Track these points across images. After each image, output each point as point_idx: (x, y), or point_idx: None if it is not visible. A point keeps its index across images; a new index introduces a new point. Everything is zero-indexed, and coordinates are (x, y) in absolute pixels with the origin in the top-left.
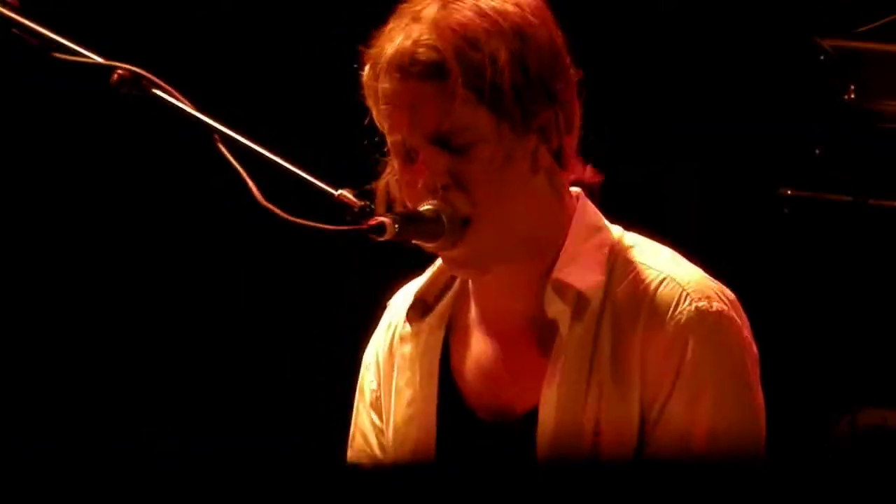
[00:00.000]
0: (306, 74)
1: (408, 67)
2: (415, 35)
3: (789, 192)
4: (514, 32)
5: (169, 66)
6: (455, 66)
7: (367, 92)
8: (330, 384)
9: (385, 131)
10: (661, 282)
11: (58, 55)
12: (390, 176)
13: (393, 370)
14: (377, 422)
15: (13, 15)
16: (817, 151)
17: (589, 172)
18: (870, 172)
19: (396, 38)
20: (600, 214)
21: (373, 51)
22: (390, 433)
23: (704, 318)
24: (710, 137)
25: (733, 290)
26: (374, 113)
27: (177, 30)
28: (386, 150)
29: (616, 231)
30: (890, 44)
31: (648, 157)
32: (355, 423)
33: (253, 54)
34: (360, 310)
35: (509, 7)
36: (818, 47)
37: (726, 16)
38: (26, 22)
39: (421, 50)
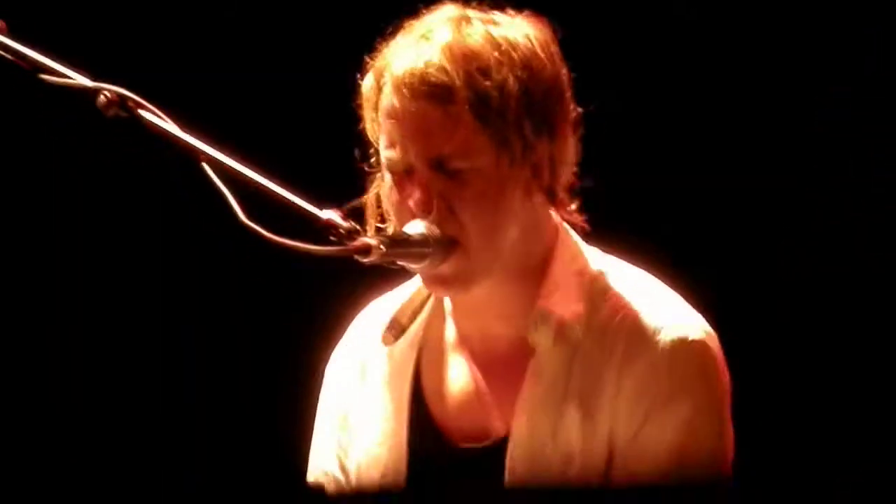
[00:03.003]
0: (292, 91)
1: (417, 87)
2: (426, 55)
3: None
4: (523, 64)
5: (154, 85)
6: (464, 91)
7: (367, 103)
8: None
9: (380, 145)
10: (639, 311)
11: (45, 77)
12: (376, 191)
13: (363, 389)
14: (342, 441)
15: (1, 38)
16: None
17: (575, 213)
18: None
19: (406, 55)
20: (580, 240)
21: (379, 63)
22: (360, 454)
23: (682, 348)
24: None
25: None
26: (369, 125)
27: (163, 49)
28: (373, 161)
29: (595, 257)
30: None
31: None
32: (318, 440)
33: (237, 70)
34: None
35: (520, 39)
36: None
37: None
38: (13, 44)
39: (431, 71)
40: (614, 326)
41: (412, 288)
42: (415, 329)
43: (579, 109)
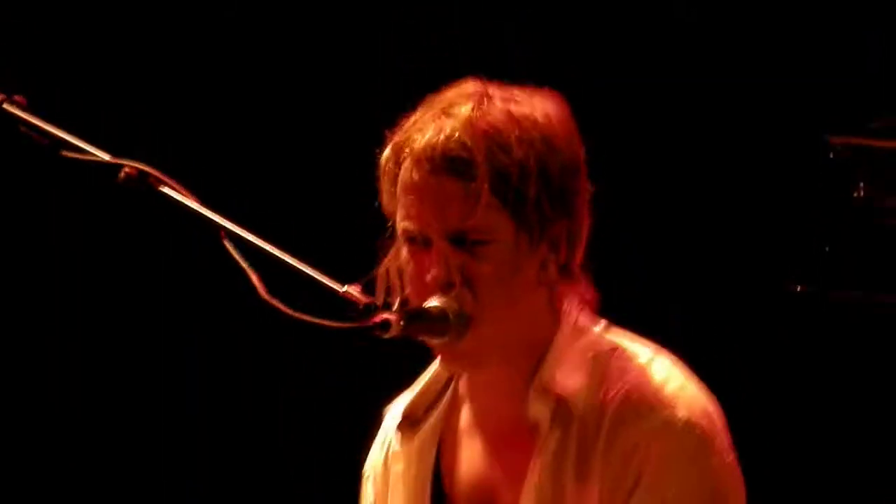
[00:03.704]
0: (311, 167)
1: (437, 161)
2: (447, 130)
3: (798, 287)
4: (543, 142)
5: (175, 158)
6: (484, 167)
7: (385, 176)
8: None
9: (398, 218)
10: (631, 390)
11: (66, 153)
12: (392, 262)
13: (388, 486)
14: None
15: (21, 113)
16: (826, 249)
17: (587, 289)
18: (877, 270)
19: (427, 129)
20: (586, 314)
21: (399, 138)
22: None
23: (669, 429)
24: (718, 232)
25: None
26: (387, 198)
27: (182, 120)
28: (389, 234)
29: (600, 331)
30: None
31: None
32: None
33: (258, 144)
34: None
35: (539, 116)
36: (828, 145)
37: (737, 113)
38: (34, 120)
39: (452, 146)
40: (607, 403)
41: (425, 380)
42: (434, 421)
43: (592, 187)
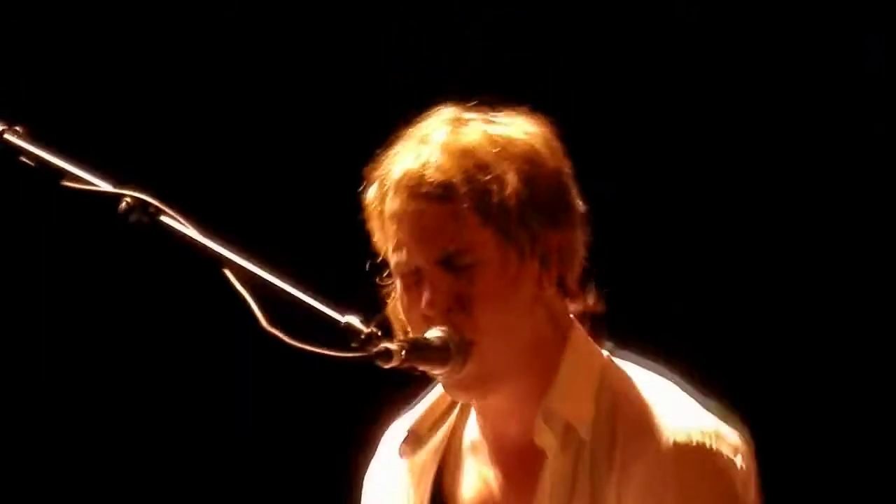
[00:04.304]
0: (314, 198)
1: (416, 188)
2: (423, 157)
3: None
4: (522, 158)
5: (173, 191)
6: (463, 187)
7: (372, 213)
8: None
9: (388, 251)
10: (642, 417)
11: (66, 183)
12: (395, 300)
13: (391, 500)
14: None
15: (21, 143)
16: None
17: (591, 301)
18: None
19: (404, 159)
20: (591, 340)
21: (378, 172)
22: None
23: (684, 457)
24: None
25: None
26: (377, 235)
27: (182, 122)
28: (388, 273)
29: (606, 356)
30: None
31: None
32: None
33: (260, 176)
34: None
35: (516, 134)
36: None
37: (737, 114)
38: (34, 150)
39: (429, 171)
40: (618, 431)
41: (431, 399)
42: (437, 439)
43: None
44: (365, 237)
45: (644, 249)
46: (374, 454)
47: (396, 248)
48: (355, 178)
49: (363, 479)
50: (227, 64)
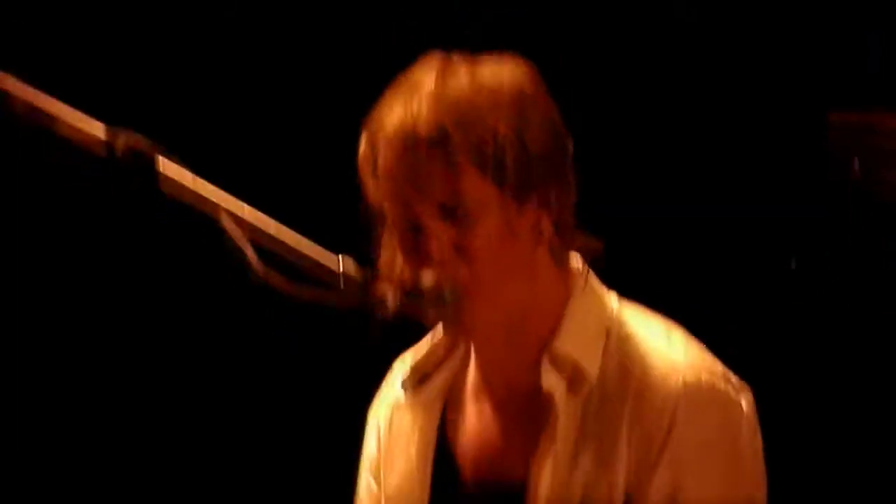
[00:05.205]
0: (314, 197)
1: (409, 142)
2: (414, 109)
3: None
4: (513, 104)
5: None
6: (455, 138)
7: (365, 166)
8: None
9: (384, 204)
10: (652, 357)
11: (56, 126)
12: (390, 250)
13: (395, 433)
14: (373, 487)
15: (11, 88)
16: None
17: (588, 240)
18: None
19: (395, 111)
20: (601, 286)
21: (371, 125)
22: (390, 492)
23: (692, 392)
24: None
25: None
26: (371, 187)
27: (180, 122)
28: (383, 227)
29: (613, 302)
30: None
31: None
32: (357, 487)
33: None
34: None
35: (506, 80)
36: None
37: (737, 114)
38: (20, 93)
39: (423, 124)
40: (627, 372)
41: (437, 336)
42: (442, 378)
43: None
44: (349, 195)
45: (644, 249)
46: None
47: (392, 202)
48: (355, 179)
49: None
50: (227, 62)
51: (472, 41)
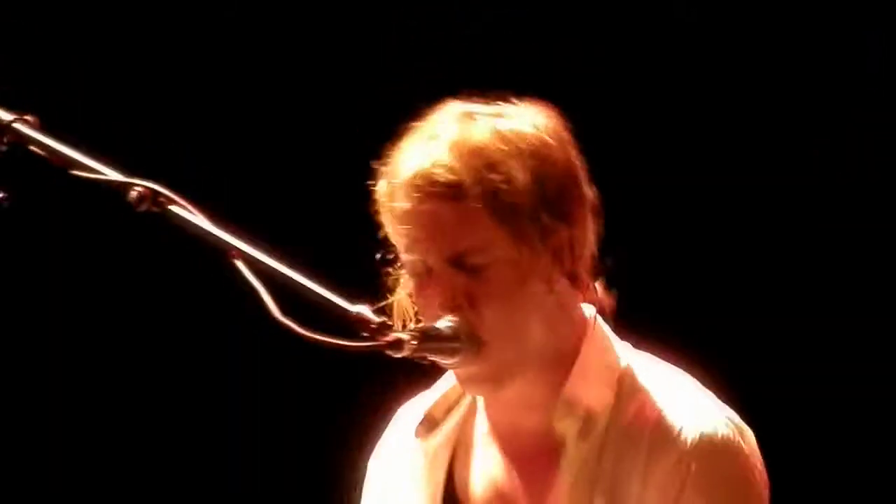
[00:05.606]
0: (313, 198)
1: (426, 188)
2: (433, 156)
3: None
4: (532, 154)
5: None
6: (473, 187)
7: (382, 209)
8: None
9: (400, 249)
10: (667, 409)
11: (76, 172)
12: (405, 290)
13: (400, 483)
14: None
15: (31, 133)
16: None
17: (602, 293)
18: None
19: (413, 157)
20: (612, 335)
21: (388, 168)
22: None
23: (707, 446)
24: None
25: None
26: (389, 230)
27: (180, 123)
28: (399, 265)
29: (625, 352)
30: None
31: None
32: None
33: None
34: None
35: (527, 129)
36: None
37: (737, 114)
38: (44, 140)
39: (439, 171)
40: (641, 423)
41: (447, 384)
42: (451, 425)
43: (594, 192)
44: (361, 231)
45: (643, 248)
46: (381, 435)
47: (408, 249)
48: (355, 178)
49: (359, 477)
50: (228, 61)
51: (472, 41)
